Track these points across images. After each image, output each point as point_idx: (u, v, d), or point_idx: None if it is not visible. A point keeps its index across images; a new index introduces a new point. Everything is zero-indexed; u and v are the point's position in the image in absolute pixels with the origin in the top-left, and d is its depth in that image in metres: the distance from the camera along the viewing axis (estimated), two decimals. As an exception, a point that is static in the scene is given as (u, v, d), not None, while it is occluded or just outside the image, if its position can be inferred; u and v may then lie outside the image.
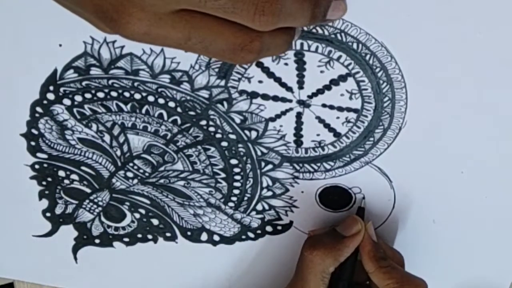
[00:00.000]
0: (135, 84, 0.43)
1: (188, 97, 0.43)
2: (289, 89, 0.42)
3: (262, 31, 0.31)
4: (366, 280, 0.45)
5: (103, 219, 0.51)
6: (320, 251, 0.43)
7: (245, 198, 0.48)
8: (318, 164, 0.45)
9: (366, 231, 0.44)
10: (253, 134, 0.44)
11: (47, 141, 0.47)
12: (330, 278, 0.44)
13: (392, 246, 0.48)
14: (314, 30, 0.39)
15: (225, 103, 0.43)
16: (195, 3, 0.30)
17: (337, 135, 0.44)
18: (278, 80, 0.42)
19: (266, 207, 0.48)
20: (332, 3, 0.35)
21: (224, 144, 0.45)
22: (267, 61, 0.41)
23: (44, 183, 0.49)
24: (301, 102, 0.43)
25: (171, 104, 0.44)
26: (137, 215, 0.50)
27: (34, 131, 0.46)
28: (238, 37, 0.31)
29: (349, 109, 0.42)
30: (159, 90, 0.43)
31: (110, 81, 0.43)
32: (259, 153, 0.45)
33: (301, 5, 0.32)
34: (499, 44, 0.38)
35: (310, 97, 0.42)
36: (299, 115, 0.43)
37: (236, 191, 0.48)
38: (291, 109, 0.43)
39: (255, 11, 0.30)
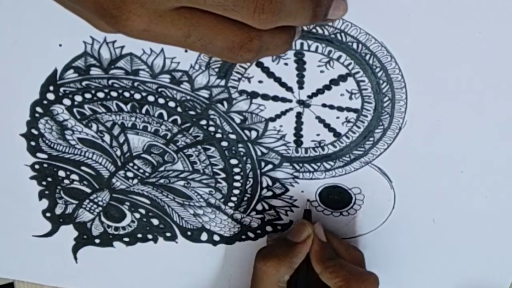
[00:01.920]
0: (135, 84, 0.43)
1: (188, 97, 0.43)
2: (289, 89, 0.42)
3: (262, 29, 0.31)
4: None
5: (103, 219, 0.51)
6: (274, 261, 0.43)
7: (245, 198, 0.48)
8: (318, 164, 0.45)
9: (314, 232, 0.45)
10: (253, 134, 0.44)
11: (47, 141, 0.47)
12: (288, 282, 0.44)
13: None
14: (314, 30, 0.39)
15: (225, 103, 0.43)
16: (195, 0, 0.30)
17: (337, 135, 0.44)
18: (278, 80, 0.42)
19: (266, 207, 0.48)
20: (333, 3, 0.35)
21: (224, 144, 0.45)
22: (267, 61, 0.41)
23: (44, 183, 0.49)
24: (301, 102, 0.43)
25: (171, 104, 0.44)
26: (137, 215, 0.50)
27: (34, 131, 0.46)
28: (237, 36, 0.31)
29: (349, 109, 0.42)
30: (159, 90, 0.43)
31: (110, 81, 0.43)
32: (259, 153, 0.45)
33: (301, 4, 0.32)
34: (499, 44, 0.38)
35: (310, 97, 0.42)
36: (299, 115, 0.43)
37: (236, 191, 0.48)
38: (291, 109, 0.43)
39: (255, 9, 0.30)
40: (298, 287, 0.44)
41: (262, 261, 0.44)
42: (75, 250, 0.53)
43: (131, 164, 0.47)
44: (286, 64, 0.41)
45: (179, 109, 0.44)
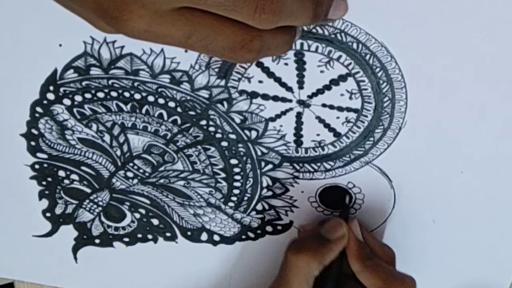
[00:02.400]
0: (135, 84, 0.43)
1: (188, 97, 0.43)
2: (289, 89, 0.42)
3: (263, 29, 0.31)
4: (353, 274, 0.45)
5: (103, 219, 0.51)
6: (306, 255, 0.43)
7: (245, 198, 0.48)
8: (318, 164, 0.45)
9: (351, 230, 0.44)
10: (253, 134, 0.44)
11: (47, 141, 0.47)
12: (318, 278, 0.43)
13: (383, 243, 0.48)
14: (314, 30, 0.39)
15: (225, 103, 0.43)
16: (196, 1, 0.30)
17: (337, 135, 0.44)
18: (278, 80, 0.42)
19: (266, 207, 0.48)
20: (333, 3, 0.35)
21: (224, 144, 0.45)
22: (267, 61, 0.41)
23: (44, 183, 0.49)
24: (301, 102, 0.43)
25: (171, 104, 0.44)
26: (137, 215, 0.50)
27: (34, 131, 0.46)
28: (238, 36, 0.31)
29: (349, 109, 0.42)
30: (159, 90, 0.43)
31: (110, 81, 0.43)
32: (259, 153, 0.45)
33: (302, 4, 0.32)
34: (499, 44, 0.38)
35: (310, 97, 0.42)
36: (299, 115, 0.43)
37: (236, 191, 0.48)
38: (291, 109, 0.43)
39: (256, 9, 0.30)
40: (328, 285, 0.44)
41: (294, 254, 0.43)
42: (75, 250, 0.53)
43: (131, 164, 0.47)
44: (286, 64, 0.41)
45: (179, 109, 0.44)
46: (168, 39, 0.31)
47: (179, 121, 0.44)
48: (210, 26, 0.31)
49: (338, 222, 0.44)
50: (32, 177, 0.49)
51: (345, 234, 0.44)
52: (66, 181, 0.49)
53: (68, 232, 0.52)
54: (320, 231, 0.45)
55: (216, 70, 0.42)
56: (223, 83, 0.42)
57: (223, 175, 0.47)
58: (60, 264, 0.53)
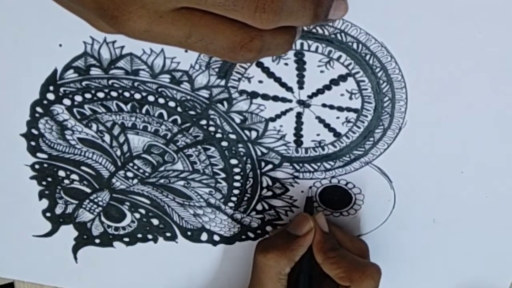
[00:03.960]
0: (135, 84, 0.43)
1: (188, 97, 0.43)
2: (289, 89, 0.42)
3: (263, 29, 0.31)
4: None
5: (103, 219, 0.51)
6: (274, 254, 0.43)
7: (245, 198, 0.48)
8: (318, 164, 0.45)
9: (316, 223, 0.44)
10: (253, 134, 0.44)
11: (47, 141, 0.47)
12: (290, 274, 0.43)
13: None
14: (314, 30, 0.39)
15: (225, 103, 0.43)
16: (196, 1, 0.30)
17: (337, 135, 0.44)
18: (278, 80, 0.42)
19: (266, 207, 0.48)
20: (333, 3, 0.35)
21: (224, 144, 0.45)
22: (267, 61, 0.41)
23: (44, 183, 0.49)
24: (301, 102, 0.43)
25: (171, 104, 0.44)
26: (137, 215, 0.50)
27: (34, 131, 0.46)
28: (238, 35, 0.31)
29: (349, 109, 0.42)
30: (159, 90, 0.43)
31: (110, 81, 0.43)
32: (259, 153, 0.45)
33: (303, 4, 0.32)
34: (499, 44, 0.38)
35: (310, 97, 0.42)
36: (299, 115, 0.43)
37: (236, 191, 0.48)
38: (291, 109, 0.43)
39: (256, 9, 0.30)
40: (300, 280, 0.44)
41: (262, 253, 0.43)
42: (75, 250, 0.53)
43: (131, 164, 0.47)
44: (286, 64, 0.41)
45: (179, 109, 0.44)
46: (167, 39, 0.31)
47: (179, 121, 0.44)
48: (210, 26, 0.31)
49: (304, 217, 0.44)
50: (32, 177, 0.49)
51: (312, 228, 0.44)
52: (66, 181, 0.49)
53: (68, 232, 0.52)
54: (286, 229, 0.45)
55: (216, 70, 0.42)
56: (223, 83, 0.42)
57: (223, 175, 0.47)
58: (60, 264, 0.53)
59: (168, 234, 0.51)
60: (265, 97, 0.43)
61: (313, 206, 0.46)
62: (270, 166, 0.46)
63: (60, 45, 0.42)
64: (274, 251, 0.43)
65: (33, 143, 0.47)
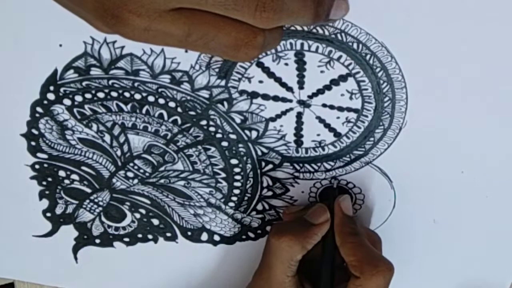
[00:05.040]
0: (135, 84, 0.43)
1: (189, 97, 0.43)
2: (290, 89, 0.42)
3: (263, 28, 0.32)
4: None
5: (103, 219, 0.51)
6: (288, 238, 0.42)
7: (246, 198, 0.48)
8: (319, 164, 0.45)
9: (339, 204, 0.44)
10: (254, 134, 0.44)
11: (47, 141, 0.47)
12: (314, 262, 0.43)
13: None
14: (314, 30, 0.39)
15: (225, 103, 0.43)
16: (196, 1, 0.30)
17: (337, 135, 0.44)
18: (278, 80, 0.42)
19: (267, 207, 0.48)
20: (334, 3, 0.35)
21: (225, 144, 0.45)
22: (267, 61, 0.41)
23: (44, 183, 0.49)
24: (301, 102, 0.43)
25: (172, 104, 0.44)
26: (138, 215, 0.50)
27: (35, 131, 0.46)
28: (241, 32, 0.31)
29: (349, 109, 0.42)
30: (160, 90, 0.43)
31: (110, 81, 0.43)
32: (259, 153, 0.45)
33: (303, 4, 0.32)
34: (499, 44, 0.38)
35: (310, 97, 0.42)
36: (299, 115, 0.43)
37: (236, 191, 0.48)
38: (291, 109, 0.43)
39: (256, 8, 0.30)
40: (311, 269, 0.43)
41: (276, 236, 0.42)
42: (75, 250, 0.53)
43: (131, 164, 0.47)
44: (286, 64, 0.41)
45: (179, 109, 0.44)
46: (167, 39, 0.31)
47: (179, 121, 0.44)
48: (210, 24, 0.31)
49: (322, 207, 0.44)
50: (32, 177, 0.49)
51: (328, 219, 0.43)
52: (67, 181, 0.49)
53: (68, 232, 0.52)
54: (303, 216, 0.44)
55: (217, 70, 0.42)
56: (223, 83, 0.42)
57: (223, 175, 0.47)
58: (60, 264, 0.53)
59: (168, 234, 0.51)
60: (265, 97, 0.43)
61: (334, 197, 0.45)
62: (270, 166, 0.46)
63: (60, 45, 0.42)
64: (289, 235, 0.42)
65: (33, 143, 0.47)
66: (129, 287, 0.55)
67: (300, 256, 0.42)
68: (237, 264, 0.52)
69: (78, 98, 0.44)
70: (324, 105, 0.42)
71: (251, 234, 0.50)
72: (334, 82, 0.41)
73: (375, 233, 0.46)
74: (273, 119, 0.43)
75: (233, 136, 0.45)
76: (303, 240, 0.42)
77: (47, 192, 0.50)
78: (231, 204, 0.48)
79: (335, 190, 0.46)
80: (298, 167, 0.46)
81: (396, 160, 0.44)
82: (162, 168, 0.47)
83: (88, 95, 0.44)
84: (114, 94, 0.44)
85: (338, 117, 0.43)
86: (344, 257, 0.42)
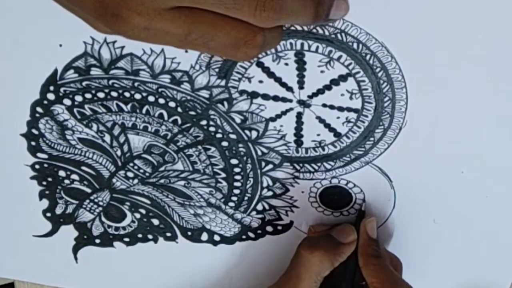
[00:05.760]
0: (136, 84, 0.43)
1: (189, 97, 0.43)
2: (290, 89, 0.42)
3: (263, 27, 0.32)
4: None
5: (103, 219, 0.51)
6: (320, 253, 0.43)
7: (246, 198, 0.48)
8: (319, 164, 0.45)
9: (364, 226, 0.45)
10: (254, 134, 0.44)
11: (47, 141, 0.47)
12: (333, 279, 0.44)
13: (389, 246, 0.48)
14: (314, 30, 0.39)
15: (225, 103, 0.43)
16: (196, 0, 0.30)
17: (337, 135, 0.44)
18: (278, 80, 0.42)
19: (267, 207, 0.48)
20: (334, 3, 0.35)
21: (225, 144, 0.45)
22: (267, 61, 0.41)
23: (44, 183, 0.49)
24: (301, 102, 0.43)
25: (172, 104, 0.44)
26: (138, 215, 0.50)
27: (35, 131, 0.46)
28: (241, 31, 0.31)
29: (349, 109, 0.42)
30: (160, 90, 0.43)
31: (111, 81, 0.43)
32: (259, 153, 0.45)
33: (303, 3, 0.32)
34: (499, 44, 0.38)
35: (310, 97, 0.42)
36: (299, 115, 0.43)
37: (236, 191, 0.48)
38: (291, 109, 0.43)
39: (256, 7, 0.30)
40: (344, 283, 0.45)
41: (309, 249, 0.44)
42: (75, 250, 0.53)
43: (131, 164, 0.47)
44: (286, 64, 0.41)
45: (179, 109, 0.44)
46: (167, 38, 0.31)
47: (179, 121, 0.44)
48: (210, 23, 0.31)
49: (350, 228, 0.45)
50: (32, 177, 0.49)
51: (355, 239, 0.45)
52: (67, 181, 0.49)
53: (68, 232, 0.52)
54: (331, 233, 0.45)
55: (217, 70, 0.42)
56: (223, 83, 0.42)
57: (223, 175, 0.47)
58: (61, 264, 0.53)
59: (168, 234, 0.51)
60: (265, 97, 0.43)
61: (360, 218, 0.46)
62: (270, 166, 0.46)
63: (60, 45, 0.42)
64: (321, 250, 0.43)
65: (33, 143, 0.47)
66: (129, 287, 0.55)
67: (328, 272, 0.44)
68: (237, 264, 0.52)
69: (78, 98, 0.44)
70: (324, 105, 0.42)
71: (251, 234, 0.50)
72: (334, 82, 0.41)
73: (397, 258, 0.47)
74: (273, 119, 0.43)
75: (233, 136, 0.45)
76: (333, 257, 0.44)
77: (47, 192, 0.50)
78: (231, 204, 0.48)
79: (363, 212, 0.47)
80: (298, 167, 0.46)
81: (396, 160, 0.44)
82: (162, 168, 0.47)
83: (88, 95, 0.44)
84: (114, 94, 0.44)
85: (338, 117, 0.43)
86: (366, 278, 0.44)
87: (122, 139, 0.46)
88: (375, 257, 0.44)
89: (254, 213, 0.49)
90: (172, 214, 0.50)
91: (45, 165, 0.48)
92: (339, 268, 0.44)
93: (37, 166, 0.48)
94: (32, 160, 0.48)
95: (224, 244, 0.51)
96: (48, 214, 0.51)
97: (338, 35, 0.39)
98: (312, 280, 0.43)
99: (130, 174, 0.48)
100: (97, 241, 0.52)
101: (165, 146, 0.46)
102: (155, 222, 0.50)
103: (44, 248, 0.52)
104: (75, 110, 0.45)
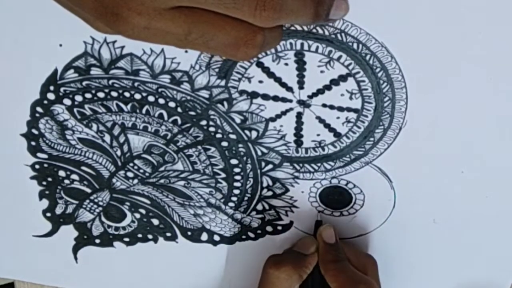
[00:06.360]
0: (136, 84, 0.43)
1: (189, 97, 0.43)
2: (290, 89, 0.42)
3: (263, 27, 0.32)
4: None
5: (103, 219, 0.51)
6: (287, 268, 0.44)
7: (245, 198, 0.48)
8: (319, 164, 0.45)
9: (320, 234, 0.46)
10: (253, 134, 0.44)
11: (47, 141, 0.47)
12: None
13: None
14: (314, 30, 0.39)
15: (225, 103, 0.43)
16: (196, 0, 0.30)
17: (337, 135, 0.44)
18: (278, 80, 0.42)
19: (266, 207, 0.48)
20: (334, 3, 0.35)
21: (225, 144, 0.45)
22: (267, 61, 0.41)
23: (44, 183, 0.49)
24: (301, 102, 0.43)
25: (171, 104, 0.44)
26: (138, 215, 0.50)
27: (35, 131, 0.46)
28: (240, 31, 0.31)
29: (349, 109, 0.42)
30: (159, 90, 0.43)
31: (111, 81, 0.43)
32: (259, 153, 0.45)
33: (303, 3, 0.32)
34: (499, 44, 0.38)
35: (310, 97, 0.42)
36: (299, 115, 0.43)
37: (236, 191, 0.48)
38: (291, 109, 0.43)
39: (256, 6, 0.30)
40: None
41: (275, 267, 0.44)
42: (75, 250, 0.53)
43: (131, 164, 0.47)
44: (286, 64, 0.41)
45: (179, 110, 0.44)
46: (167, 37, 0.31)
47: (179, 121, 0.44)
48: (210, 22, 0.31)
49: (309, 238, 0.47)
50: (32, 177, 0.49)
51: (317, 249, 0.46)
52: (66, 181, 0.49)
53: (68, 232, 0.52)
54: (293, 248, 0.46)
55: (217, 70, 0.42)
56: (223, 83, 0.42)
57: (223, 175, 0.47)
58: (61, 264, 0.53)
59: (168, 234, 0.51)
60: (265, 97, 0.43)
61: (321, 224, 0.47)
62: (270, 166, 0.46)
63: (60, 45, 0.42)
64: (288, 265, 0.44)
65: (33, 143, 0.47)
66: (129, 287, 0.55)
67: (297, 285, 0.44)
68: (237, 264, 0.52)
69: (78, 98, 0.44)
70: (324, 105, 0.42)
71: (251, 234, 0.50)
72: (334, 82, 0.41)
73: (370, 256, 0.47)
74: (273, 119, 0.43)
75: (233, 136, 0.45)
76: (300, 270, 0.44)
77: (47, 192, 0.50)
78: (231, 204, 0.48)
79: (319, 221, 0.48)
80: (298, 167, 0.46)
81: (396, 160, 0.44)
82: (162, 168, 0.47)
83: (88, 95, 0.44)
84: (114, 94, 0.44)
85: (338, 117, 0.43)
86: (329, 283, 0.44)
87: (122, 139, 0.46)
88: (334, 261, 0.45)
89: (254, 213, 0.49)
90: (172, 214, 0.50)
91: (45, 165, 0.48)
92: (307, 280, 0.45)
93: (37, 166, 0.48)
94: (32, 160, 0.48)
95: (224, 244, 0.51)
96: (48, 214, 0.51)
97: (338, 35, 0.39)
98: None
99: (130, 174, 0.48)
100: (97, 241, 0.52)
101: (165, 146, 0.46)
102: (155, 222, 0.50)
103: (44, 248, 0.52)
104: (75, 110, 0.45)
